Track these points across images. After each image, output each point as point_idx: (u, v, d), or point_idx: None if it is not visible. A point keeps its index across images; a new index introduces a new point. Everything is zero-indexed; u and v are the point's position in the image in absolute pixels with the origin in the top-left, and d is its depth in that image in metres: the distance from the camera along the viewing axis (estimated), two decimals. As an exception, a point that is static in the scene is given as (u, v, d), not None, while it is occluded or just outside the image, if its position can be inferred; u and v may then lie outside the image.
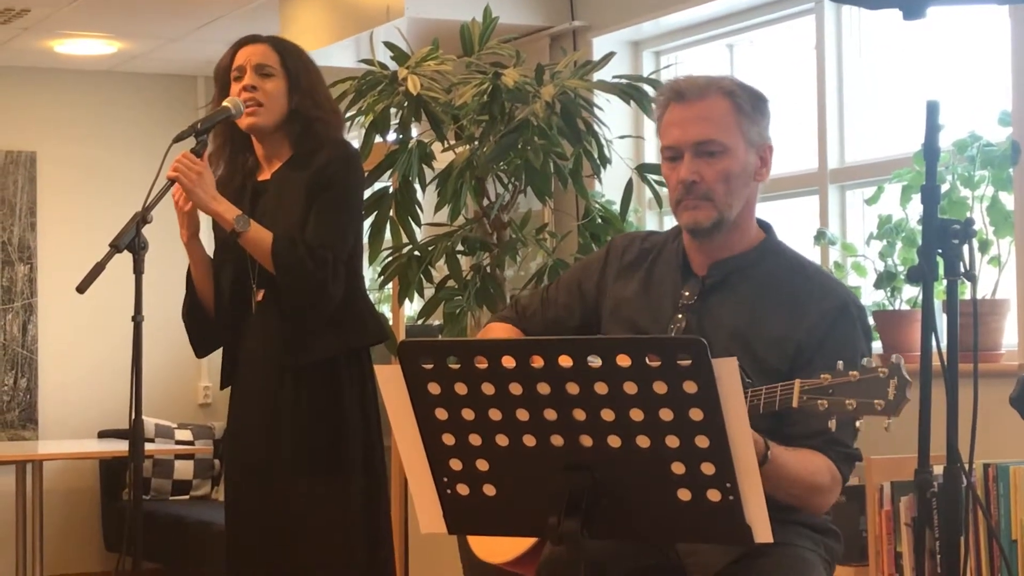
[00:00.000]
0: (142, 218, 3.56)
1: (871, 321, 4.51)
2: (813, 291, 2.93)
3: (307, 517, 3.81)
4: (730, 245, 2.99)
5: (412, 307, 5.87)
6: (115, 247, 3.52)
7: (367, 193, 4.55)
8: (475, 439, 2.43)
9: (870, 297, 4.55)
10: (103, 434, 7.99)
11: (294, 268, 3.75)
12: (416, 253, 4.84)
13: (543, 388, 2.34)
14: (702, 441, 2.31)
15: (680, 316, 2.96)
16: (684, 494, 2.36)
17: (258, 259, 3.81)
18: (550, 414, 2.36)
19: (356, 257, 3.94)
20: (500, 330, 3.24)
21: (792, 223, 5.15)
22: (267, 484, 3.84)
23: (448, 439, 2.44)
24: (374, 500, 3.90)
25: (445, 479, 2.48)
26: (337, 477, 3.83)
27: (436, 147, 4.85)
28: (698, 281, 2.99)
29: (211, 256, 3.97)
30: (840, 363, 2.61)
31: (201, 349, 4.04)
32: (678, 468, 2.34)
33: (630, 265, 3.11)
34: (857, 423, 2.64)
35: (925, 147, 2.50)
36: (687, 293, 2.98)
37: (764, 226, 3.06)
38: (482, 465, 2.45)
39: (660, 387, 2.29)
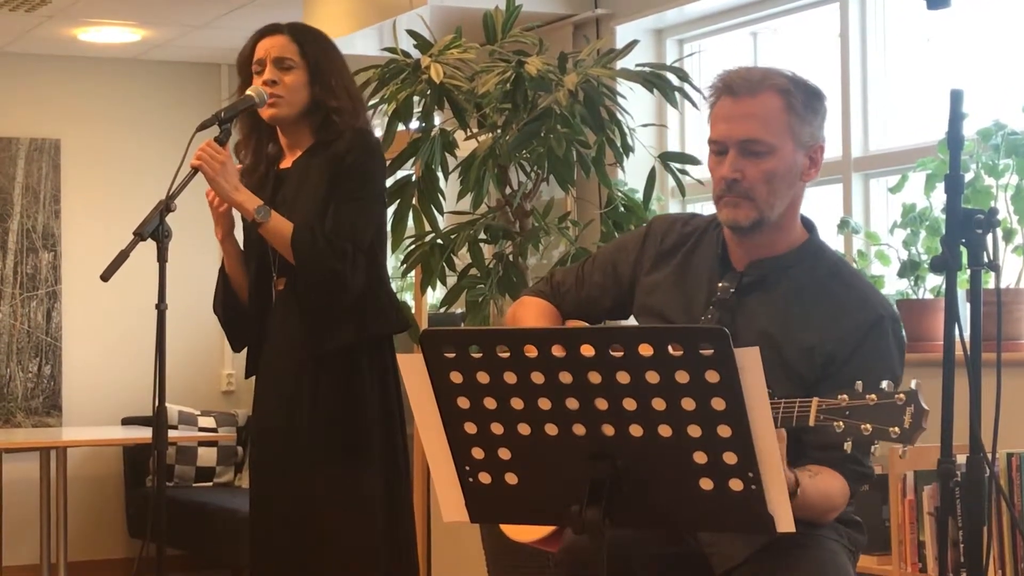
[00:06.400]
0: (166, 206, 3.58)
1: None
2: (850, 301, 2.87)
3: (326, 506, 3.81)
4: (771, 244, 2.94)
5: (434, 295, 5.88)
6: (139, 235, 3.54)
7: (390, 181, 4.55)
8: (497, 428, 2.43)
9: (893, 286, 4.54)
10: (126, 421, 8.02)
11: (313, 259, 3.75)
12: (439, 241, 4.84)
13: (565, 377, 2.35)
14: (724, 430, 2.31)
15: (713, 310, 2.91)
16: (706, 483, 2.36)
17: (278, 249, 3.81)
18: (572, 403, 2.36)
19: (378, 245, 3.92)
20: (533, 304, 3.21)
21: (816, 212, 5.12)
22: (287, 473, 3.85)
23: (470, 428, 2.45)
24: (395, 490, 3.90)
25: (467, 468, 2.49)
26: (357, 467, 3.83)
27: (459, 135, 4.85)
28: (736, 276, 2.94)
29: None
30: (859, 384, 2.57)
31: (237, 342, 4.05)
32: (700, 457, 2.34)
33: (668, 251, 3.06)
34: (872, 447, 2.61)
35: (949, 136, 2.50)
36: (724, 285, 2.93)
37: (808, 225, 3.01)
38: (504, 454, 2.45)
39: (682, 376, 2.29)
